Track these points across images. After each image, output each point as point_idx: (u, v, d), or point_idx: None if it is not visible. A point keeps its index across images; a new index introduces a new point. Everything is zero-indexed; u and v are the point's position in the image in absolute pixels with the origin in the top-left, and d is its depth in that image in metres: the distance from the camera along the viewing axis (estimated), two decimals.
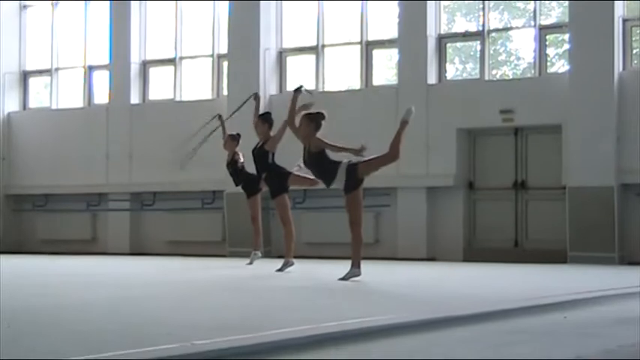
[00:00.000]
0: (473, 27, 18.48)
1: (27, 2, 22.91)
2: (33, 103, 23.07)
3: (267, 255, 16.71)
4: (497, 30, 18.41)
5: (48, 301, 7.59)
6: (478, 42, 18.20)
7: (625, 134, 16.29)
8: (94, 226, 21.33)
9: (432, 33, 18.12)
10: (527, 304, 6.91)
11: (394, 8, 18.62)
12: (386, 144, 17.86)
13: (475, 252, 17.38)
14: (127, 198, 20.91)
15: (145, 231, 20.72)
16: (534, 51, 17.79)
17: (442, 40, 18.28)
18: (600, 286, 9.22)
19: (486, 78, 18.00)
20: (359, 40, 19.13)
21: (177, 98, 20.97)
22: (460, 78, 18.73)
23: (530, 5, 18.11)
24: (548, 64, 17.87)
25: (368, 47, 19.04)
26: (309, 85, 19.42)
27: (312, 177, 11.12)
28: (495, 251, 17.06)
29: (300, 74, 19.86)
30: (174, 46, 21.10)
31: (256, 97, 13.95)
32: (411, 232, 17.67)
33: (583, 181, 16.28)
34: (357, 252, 10.25)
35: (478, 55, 18.25)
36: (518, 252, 17.15)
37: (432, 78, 18.06)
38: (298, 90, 11.85)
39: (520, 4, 18.83)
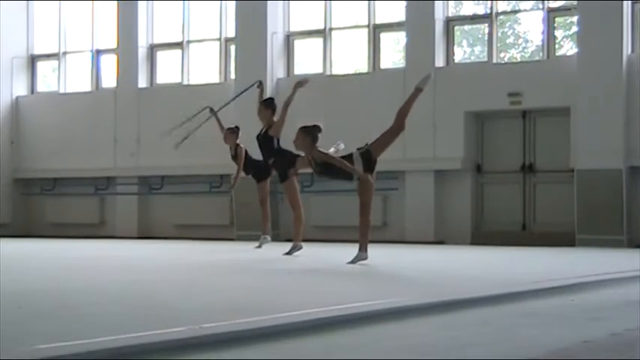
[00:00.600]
0: (481, 10, 18.42)
1: None
2: (41, 87, 23.09)
3: (276, 239, 16.72)
4: (505, 12, 18.35)
5: (57, 284, 7.62)
6: (486, 25, 18.14)
7: (633, 117, 16.24)
8: (102, 209, 21.37)
9: (439, 16, 18.07)
10: (535, 287, 6.91)
11: None
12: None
13: (483, 235, 17.38)
14: (134, 182, 20.94)
15: (152, 215, 20.75)
16: (542, 33, 17.74)
17: (450, 22, 18.23)
18: (608, 269, 9.21)
19: (494, 61, 17.95)
20: (366, 23, 19.09)
21: (185, 82, 20.97)
22: (468, 61, 18.68)
23: None
24: (557, 46, 17.82)
25: (375, 30, 19.00)
26: (315, 69, 19.44)
27: None
28: (503, 234, 17.05)
29: (308, 57, 19.84)
30: (181, 30, 21.07)
31: (260, 85, 13.88)
32: (419, 215, 17.67)
33: (591, 164, 16.25)
34: (364, 236, 10.25)
35: (486, 38, 18.20)
36: (526, 235, 17.15)
37: (439, 61, 18.02)
38: (300, 83, 12.01)
39: None
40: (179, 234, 19.71)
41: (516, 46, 19.00)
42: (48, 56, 22.82)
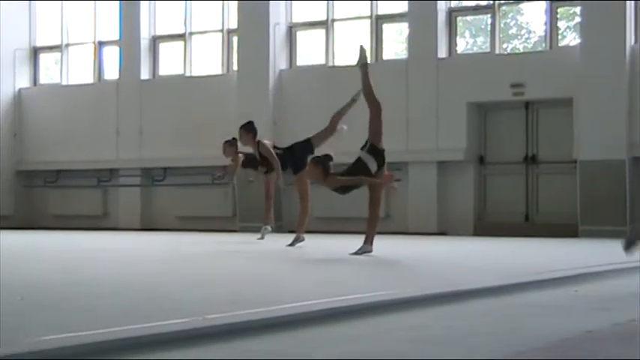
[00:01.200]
0: (483, 0, 18.39)
1: None
2: (43, 79, 23.09)
3: (278, 230, 16.73)
4: (507, 3, 18.32)
5: (59, 276, 7.63)
6: (489, 15, 18.12)
7: (636, 107, 16.22)
8: (105, 201, 21.40)
9: (442, 6, 18.05)
10: (538, 278, 6.91)
11: None
12: (395, 118, 17.89)
13: (486, 226, 17.38)
14: (137, 173, 20.95)
15: (155, 206, 20.77)
16: (545, 24, 17.71)
17: (452, 13, 18.20)
18: (611, 259, 9.20)
19: (497, 52, 17.94)
20: (369, 14, 19.07)
21: (187, 73, 20.96)
22: (471, 52, 18.67)
23: None
24: (559, 37, 17.80)
25: (378, 21, 18.98)
26: (318, 60, 19.43)
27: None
28: (506, 225, 17.06)
29: (310, 49, 19.83)
30: (184, 22, 21.06)
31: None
32: (422, 206, 17.68)
33: (594, 155, 16.24)
34: (372, 229, 10.25)
35: (489, 29, 18.18)
36: (528, 226, 17.15)
37: (442, 52, 18.00)
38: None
39: None
40: (182, 225, 19.72)
41: (519, 37, 18.98)
42: (50, 48, 22.82)
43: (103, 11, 22.06)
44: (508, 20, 18.71)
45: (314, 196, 17.47)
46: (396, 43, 19.60)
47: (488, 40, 18.18)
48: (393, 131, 18.05)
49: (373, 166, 10.11)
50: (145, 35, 21.11)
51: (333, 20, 19.44)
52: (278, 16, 19.47)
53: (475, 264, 9.34)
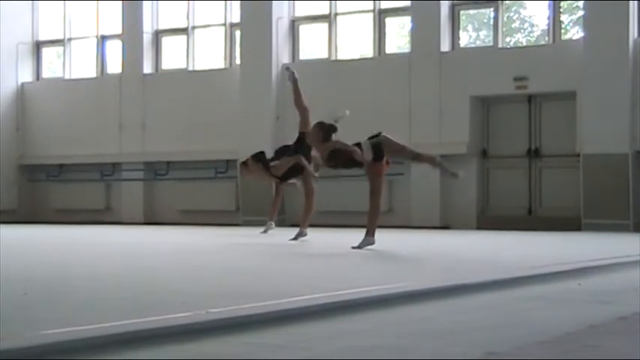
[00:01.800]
0: None
1: None
2: (46, 73, 23.09)
3: (281, 224, 16.72)
4: None
5: (62, 270, 7.63)
6: (492, 9, 18.10)
7: (639, 101, 16.20)
8: (108, 195, 21.41)
9: (444, 0, 18.02)
10: (542, 272, 6.90)
11: None
12: (398, 112, 17.90)
13: (489, 220, 17.38)
14: (140, 167, 20.97)
15: (158, 200, 20.78)
16: (548, 18, 17.69)
17: (455, 7, 18.18)
18: (614, 253, 9.20)
19: (500, 45, 17.92)
20: (372, 8, 19.05)
21: (190, 68, 20.96)
22: (474, 45, 18.65)
23: None
24: (563, 30, 17.78)
25: (381, 15, 18.96)
26: (321, 54, 19.41)
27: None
28: (509, 219, 17.06)
29: (313, 43, 19.82)
30: (186, 16, 21.06)
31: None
32: (425, 200, 17.67)
33: (597, 149, 16.23)
34: (373, 221, 10.26)
35: (492, 23, 18.16)
36: (532, 220, 17.14)
37: (445, 45, 17.99)
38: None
39: None
40: (185, 219, 19.73)
41: (522, 31, 18.96)
42: (53, 42, 22.83)
43: (105, 5, 22.05)
44: (511, 14, 18.69)
45: (319, 190, 17.45)
46: (398, 37, 19.58)
47: (492, 33, 18.16)
48: (395, 125, 18.07)
49: (369, 155, 10.08)
50: (147, 29, 21.11)
51: (336, 14, 19.42)
52: (281, 10, 19.46)
53: (478, 257, 9.33)
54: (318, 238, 12.68)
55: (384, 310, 4.84)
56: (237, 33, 20.11)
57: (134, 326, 3.90)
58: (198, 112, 19.89)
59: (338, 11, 19.44)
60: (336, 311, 4.66)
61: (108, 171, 21.47)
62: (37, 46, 22.92)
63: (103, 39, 22.14)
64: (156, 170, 20.96)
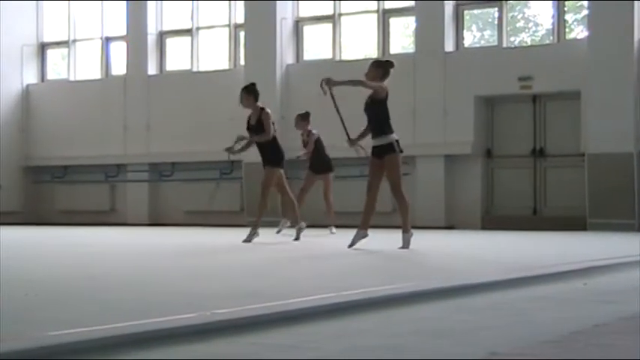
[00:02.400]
0: None
1: None
2: (51, 75, 23.12)
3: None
4: None
5: (67, 271, 7.64)
6: (496, 9, 18.10)
7: None
8: (113, 196, 21.43)
9: (449, 0, 18.02)
10: (547, 272, 6.90)
11: None
12: (403, 112, 17.90)
13: (493, 220, 17.37)
14: (145, 169, 20.99)
15: (163, 201, 20.80)
16: (553, 17, 17.69)
17: (459, 7, 18.18)
18: (619, 252, 9.20)
19: (504, 45, 17.92)
20: (376, 8, 19.06)
21: (194, 69, 20.97)
22: (478, 45, 18.65)
23: None
24: (567, 30, 17.77)
25: (385, 15, 18.97)
26: (325, 55, 19.40)
27: None
28: (514, 219, 17.05)
29: (317, 43, 19.83)
30: (190, 17, 21.07)
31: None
32: (429, 200, 17.67)
33: (602, 148, 16.22)
34: (405, 218, 10.30)
35: (496, 22, 18.15)
36: (536, 220, 17.13)
37: (449, 45, 17.99)
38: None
39: None
40: (190, 220, 19.74)
41: (526, 30, 18.95)
42: (58, 44, 22.86)
43: (109, 7, 22.08)
44: (515, 13, 18.68)
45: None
46: (403, 37, 19.58)
47: (496, 33, 18.16)
48: (400, 125, 18.00)
49: (385, 147, 10.08)
50: (151, 30, 21.13)
51: (340, 15, 19.43)
52: (285, 11, 19.47)
53: (484, 257, 9.34)
54: (326, 238, 12.67)
55: (390, 310, 4.85)
56: (242, 34, 20.13)
57: (140, 327, 3.91)
58: (202, 113, 19.90)
59: (342, 11, 19.45)
60: (342, 311, 4.67)
61: (113, 172, 21.49)
62: (42, 48, 22.95)
63: (107, 40, 22.17)
64: (161, 171, 20.98)
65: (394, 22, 19.15)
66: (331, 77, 10.60)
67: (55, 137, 21.99)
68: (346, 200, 17.44)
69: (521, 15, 18.88)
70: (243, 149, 12.43)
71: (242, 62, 19.94)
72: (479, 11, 18.62)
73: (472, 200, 17.63)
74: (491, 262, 8.60)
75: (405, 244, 10.11)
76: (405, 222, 10.22)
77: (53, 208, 22.02)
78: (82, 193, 21.59)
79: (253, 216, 12.59)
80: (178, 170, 20.69)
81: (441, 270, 7.70)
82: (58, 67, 23.24)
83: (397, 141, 10.24)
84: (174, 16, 21.34)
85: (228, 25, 20.62)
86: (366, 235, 10.24)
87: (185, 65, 21.13)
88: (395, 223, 17.18)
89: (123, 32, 21.62)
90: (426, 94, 17.98)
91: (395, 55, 18.82)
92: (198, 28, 21.03)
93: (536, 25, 18.82)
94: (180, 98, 20.49)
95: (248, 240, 11.71)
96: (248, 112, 12.29)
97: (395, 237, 12.29)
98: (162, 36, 21.31)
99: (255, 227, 11.88)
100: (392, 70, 10.38)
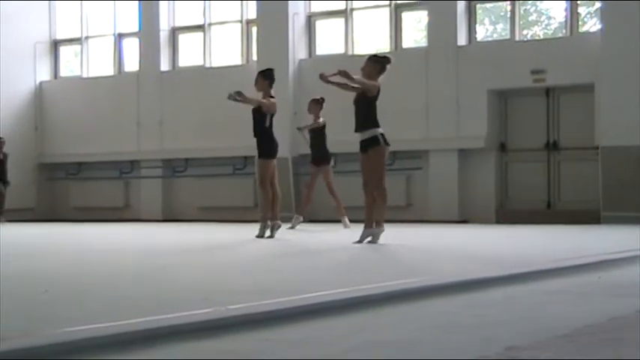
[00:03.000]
0: None
1: None
2: (64, 71, 23.17)
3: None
4: None
5: (82, 268, 7.66)
6: (508, 2, 18.04)
7: None
8: (127, 193, 21.47)
9: None
10: (561, 265, 6.89)
11: None
12: (416, 107, 17.88)
13: (507, 214, 17.33)
14: (158, 165, 21.01)
15: (176, 197, 20.83)
16: (565, 10, 17.62)
17: (472, 1, 18.13)
18: (634, 245, 9.17)
19: (517, 38, 17.87)
20: (388, 2, 19.03)
21: (207, 64, 20.98)
22: (490, 39, 18.60)
23: None
24: (580, 23, 17.70)
25: (397, 10, 18.93)
26: (337, 49, 19.41)
27: None
28: (528, 213, 17.01)
29: (329, 38, 19.81)
30: (203, 12, 21.08)
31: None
32: (443, 194, 17.64)
33: (616, 141, 16.16)
34: (380, 212, 10.28)
35: (508, 16, 18.10)
36: (550, 213, 17.09)
37: (461, 39, 17.95)
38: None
39: None
40: (204, 216, 19.76)
41: (539, 24, 18.89)
42: (70, 41, 22.91)
43: (122, 4, 22.10)
44: (528, 7, 18.62)
45: (336, 186, 17.45)
46: (415, 31, 19.55)
47: (508, 27, 18.11)
48: (413, 120, 18.08)
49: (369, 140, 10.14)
50: (164, 27, 21.15)
51: (352, 9, 19.40)
52: (297, 6, 19.46)
53: (497, 251, 9.32)
54: (335, 233, 12.67)
55: (404, 305, 4.84)
56: (254, 29, 20.13)
57: (154, 323, 3.92)
58: (215, 109, 19.90)
59: (354, 6, 19.42)
60: (356, 306, 4.66)
61: (126, 168, 21.53)
62: (55, 45, 23.00)
63: (120, 37, 22.20)
64: (174, 167, 21.01)
65: (406, 17, 19.11)
66: (324, 73, 10.85)
67: (69, 134, 22.04)
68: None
69: (533, 8, 18.82)
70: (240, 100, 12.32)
71: (254, 58, 19.94)
72: (491, 5, 18.57)
73: (486, 194, 17.59)
74: (505, 256, 8.58)
75: (375, 239, 10.07)
76: (382, 216, 10.17)
77: (67, 204, 22.08)
78: (95, 189, 21.65)
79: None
80: (192, 166, 20.71)
81: (455, 264, 7.69)
82: (70, 64, 23.29)
83: (382, 134, 10.22)
84: (187, 12, 21.35)
85: (241, 21, 20.63)
86: (372, 233, 10.21)
87: (198, 61, 21.14)
88: (409, 218, 17.24)
89: (135, 29, 21.65)
90: (439, 88, 17.96)
91: (407, 50, 18.83)
92: (210, 24, 21.04)
93: (549, 18, 18.76)
94: (193, 94, 20.51)
95: (260, 235, 11.72)
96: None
97: (407, 231, 12.28)
98: (174, 32, 21.33)
99: (264, 221, 11.87)
100: (388, 66, 10.35)
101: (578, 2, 17.64)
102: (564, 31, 17.69)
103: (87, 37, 22.64)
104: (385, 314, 4.56)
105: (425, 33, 18.75)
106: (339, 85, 10.72)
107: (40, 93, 22.63)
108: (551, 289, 5.61)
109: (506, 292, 5.49)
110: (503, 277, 6.03)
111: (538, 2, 18.68)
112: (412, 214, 17.64)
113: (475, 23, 18.24)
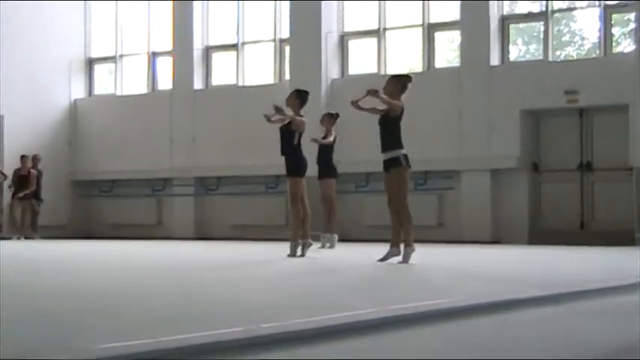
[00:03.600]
0: (536, 7, 18.28)
1: None
2: (98, 89, 23.35)
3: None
4: (561, 10, 18.19)
5: (115, 284, 7.70)
6: (542, 22, 18.01)
7: None
8: (159, 210, 21.56)
9: (494, 14, 17.96)
10: (595, 287, 6.84)
11: None
12: (448, 126, 17.85)
13: (540, 234, 17.24)
14: (190, 183, 21.09)
15: (209, 215, 20.88)
16: (599, 31, 17.56)
17: (505, 20, 18.11)
18: None
19: (550, 59, 17.81)
20: (421, 22, 19.03)
21: (240, 83, 21.07)
22: (523, 59, 18.55)
23: None
24: (614, 43, 17.62)
25: (430, 29, 18.94)
26: (370, 69, 19.43)
27: None
28: (561, 233, 16.91)
29: (362, 57, 19.83)
30: (236, 32, 21.18)
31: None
32: (475, 214, 17.58)
33: None
34: (406, 232, 10.26)
35: (542, 36, 18.06)
36: (584, 234, 16.98)
37: (494, 59, 17.92)
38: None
39: None
40: (235, 234, 19.80)
41: (572, 44, 18.82)
42: (105, 59, 23.09)
43: (156, 22, 22.26)
44: (561, 27, 18.57)
45: (366, 205, 17.45)
46: (448, 51, 19.54)
47: (541, 47, 18.06)
48: (445, 139, 18.05)
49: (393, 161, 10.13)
50: (197, 45, 21.27)
51: (385, 29, 19.43)
52: (330, 25, 19.51)
53: (531, 272, 9.27)
54: (366, 253, 12.65)
55: (439, 325, 4.83)
56: (287, 48, 20.20)
57: (189, 341, 3.94)
58: (248, 128, 19.96)
59: (387, 26, 19.45)
60: (390, 326, 4.65)
61: (159, 186, 21.63)
62: (90, 63, 23.20)
63: (153, 55, 22.36)
64: (206, 185, 21.08)
65: (439, 36, 19.11)
66: (354, 99, 11.03)
67: (102, 151, 22.19)
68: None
69: (567, 29, 18.76)
70: (277, 120, 12.39)
71: (287, 77, 20.00)
72: (524, 25, 18.54)
73: (518, 215, 17.51)
74: (538, 276, 8.53)
75: (406, 259, 10.06)
76: (409, 236, 10.16)
77: (100, 221, 22.20)
78: (128, 207, 21.75)
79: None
80: (224, 184, 20.77)
81: (488, 285, 7.65)
82: (105, 81, 23.47)
83: (405, 155, 10.25)
84: (220, 31, 21.47)
85: (274, 40, 20.71)
86: (398, 253, 10.21)
87: (231, 80, 21.24)
88: (441, 238, 17.18)
89: (169, 47, 21.79)
90: (471, 108, 17.93)
91: (440, 69, 18.82)
92: (243, 43, 21.14)
93: (582, 38, 18.69)
94: (226, 113, 20.60)
95: (292, 254, 11.72)
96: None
97: (437, 251, 12.24)
98: (208, 51, 21.45)
99: (294, 240, 11.86)
100: (410, 85, 10.40)
101: (612, 23, 17.56)
102: (598, 51, 17.62)
103: (121, 56, 22.82)
104: (419, 334, 4.55)
105: (457, 53, 18.74)
106: (369, 110, 10.80)
107: (74, 110, 22.81)
108: (586, 311, 5.58)
109: (540, 313, 5.46)
110: (536, 298, 5.99)
111: (572, 23, 18.62)
112: (444, 234, 17.58)
113: (508, 43, 18.21)
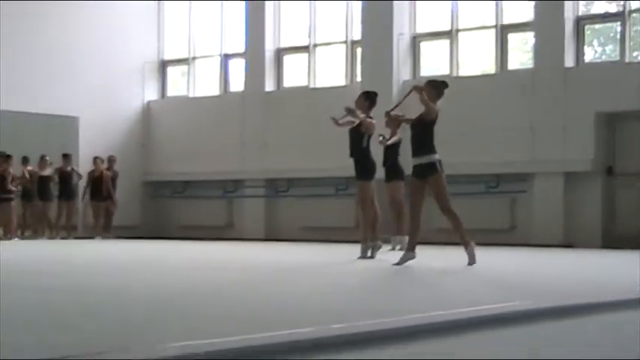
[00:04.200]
0: (613, 8, 17.99)
1: None
2: (171, 91, 23.58)
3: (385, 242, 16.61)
4: (638, 10, 17.86)
5: (184, 285, 7.75)
6: (618, 23, 17.71)
7: None
8: (230, 212, 21.68)
9: (569, 15, 17.72)
10: None
11: None
12: (521, 128, 17.65)
13: (615, 239, 16.95)
14: (261, 184, 21.18)
15: (279, 217, 20.94)
16: None
17: (580, 21, 17.86)
18: None
19: (627, 60, 17.51)
20: (494, 23, 18.87)
21: (312, 85, 21.10)
22: (599, 60, 18.27)
23: None
24: None
25: (503, 31, 18.76)
26: (442, 71, 19.32)
27: None
28: (635, 237, 16.60)
29: (434, 59, 19.73)
30: (308, 34, 21.22)
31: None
32: (548, 217, 17.36)
33: None
34: (462, 235, 10.15)
35: (618, 37, 17.77)
36: None
37: (569, 61, 17.68)
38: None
39: None
40: (306, 236, 19.82)
41: None
42: (178, 61, 23.32)
43: (228, 25, 22.41)
44: (639, 27, 18.25)
45: (433, 208, 17.14)
46: (521, 52, 19.34)
47: (618, 48, 17.77)
48: (518, 141, 17.85)
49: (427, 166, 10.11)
50: (269, 47, 21.35)
51: (458, 30, 19.29)
52: (402, 27, 19.44)
53: (602, 277, 9.12)
54: (432, 256, 12.58)
55: (506, 329, 4.76)
56: (359, 50, 20.18)
57: (257, 340, 3.93)
58: (319, 130, 19.96)
59: (459, 27, 19.31)
60: (455, 329, 4.60)
61: (230, 188, 21.76)
62: (163, 65, 23.44)
63: (226, 57, 22.51)
64: (277, 187, 21.15)
65: (512, 38, 18.93)
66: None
67: (174, 153, 22.39)
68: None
69: None
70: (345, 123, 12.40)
71: (359, 79, 19.98)
72: (600, 26, 18.27)
73: (592, 218, 17.24)
74: (610, 281, 8.39)
75: (471, 260, 9.93)
76: (463, 237, 10.04)
77: (171, 222, 22.40)
78: (199, 208, 21.91)
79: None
80: (294, 186, 20.82)
81: (558, 289, 7.54)
82: (177, 83, 23.69)
83: (439, 161, 10.13)
84: (292, 34, 21.54)
85: (345, 42, 20.71)
86: (413, 257, 10.14)
87: (302, 82, 21.29)
88: (513, 241, 16.99)
89: (241, 49, 21.92)
90: (545, 110, 17.71)
91: (513, 71, 18.63)
92: (315, 45, 21.17)
93: None
94: (297, 114, 20.64)
95: (363, 256, 11.69)
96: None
97: (510, 254, 12.11)
98: (279, 53, 21.52)
99: (365, 242, 11.84)
100: (446, 91, 10.30)
101: None
102: None
103: (194, 58, 23.01)
104: (484, 337, 4.49)
105: (531, 54, 18.53)
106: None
107: (147, 112, 23.07)
108: None
109: (614, 318, 5.36)
110: (606, 304, 5.88)
111: None
112: (516, 238, 17.39)
113: (583, 44, 17.95)
